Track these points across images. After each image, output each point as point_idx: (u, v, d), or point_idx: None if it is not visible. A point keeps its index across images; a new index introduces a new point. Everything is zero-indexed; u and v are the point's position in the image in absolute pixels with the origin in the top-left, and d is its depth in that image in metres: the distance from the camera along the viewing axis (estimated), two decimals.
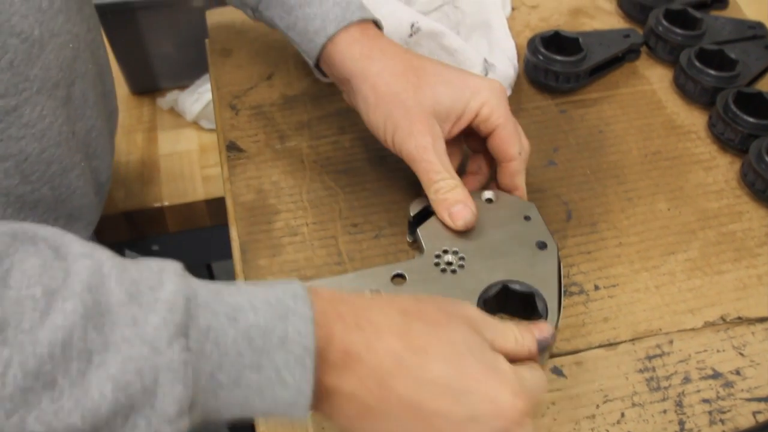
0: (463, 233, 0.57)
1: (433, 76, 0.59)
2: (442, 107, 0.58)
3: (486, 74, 0.71)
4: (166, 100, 1.16)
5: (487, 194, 0.59)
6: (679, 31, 0.78)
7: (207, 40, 0.82)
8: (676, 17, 0.79)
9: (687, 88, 0.75)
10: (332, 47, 0.60)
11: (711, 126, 0.72)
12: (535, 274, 0.54)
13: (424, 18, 0.71)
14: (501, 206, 0.59)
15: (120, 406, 0.35)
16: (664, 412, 0.52)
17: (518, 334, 0.46)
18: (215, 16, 0.83)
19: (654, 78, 0.78)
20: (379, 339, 0.41)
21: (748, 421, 0.52)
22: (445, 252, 0.56)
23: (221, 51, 0.80)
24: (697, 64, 0.74)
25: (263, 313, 0.39)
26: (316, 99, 0.74)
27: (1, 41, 0.52)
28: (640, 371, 0.55)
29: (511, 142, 0.58)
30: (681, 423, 0.52)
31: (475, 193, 0.58)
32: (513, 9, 0.86)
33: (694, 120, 0.74)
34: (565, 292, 0.59)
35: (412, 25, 0.70)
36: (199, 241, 1.10)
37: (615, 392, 0.53)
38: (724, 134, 0.70)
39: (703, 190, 0.67)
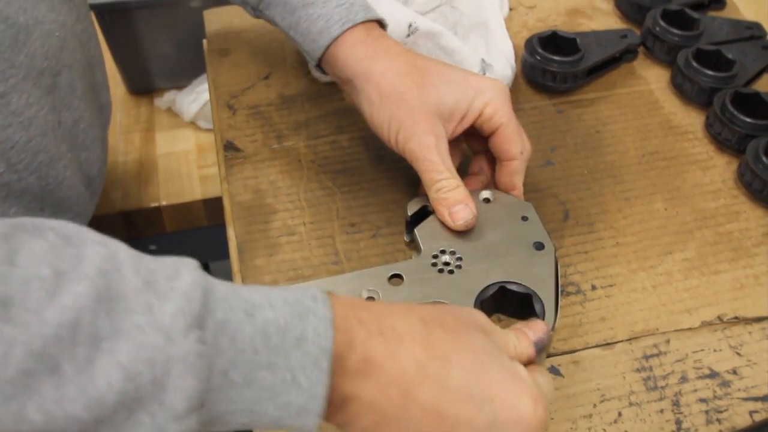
0: (461, 234, 0.57)
1: (437, 76, 0.59)
2: (446, 107, 0.58)
3: (484, 74, 0.71)
4: (163, 100, 1.16)
5: (485, 194, 0.60)
6: (676, 31, 0.78)
7: (204, 40, 0.82)
8: (674, 18, 0.79)
9: (684, 89, 0.75)
10: (336, 48, 0.60)
11: (708, 126, 0.72)
12: (532, 275, 0.54)
13: (421, 18, 0.71)
14: (498, 206, 0.59)
15: (127, 398, 0.33)
16: (661, 411, 0.52)
17: (515, 340, 0.46)
18: (213, 16, 0.83)
19: (651, 78, 0.78)
20: (402, 346, 0.41)
21: (744, 421, 0.52)
22: (443, 252, 0.56)
23: (219, 51, 0.80)
24: (695, 64, 0.74)
25: (281, 311, 0.38)
26: (314, 99, 0.74)
27: None
28: (637, 371, 0.55)
29: (514, 141, 0.59)
30: (678, 422, 0.52)
31: (472, 192, 0.58)
32: (510, 9, 0.86)
33: (692, 120, 0.74)
34: (562, 292, 0.59)
35: (410, 25, 0.70)
36: (197, 240, 1.10)
37: (612, 392, 0.53)
38: (722, 134, 0.70)
39: (700, 190, 0.67)
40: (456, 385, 0.41)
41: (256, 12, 0.66)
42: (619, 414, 0.52)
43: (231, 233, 0.63)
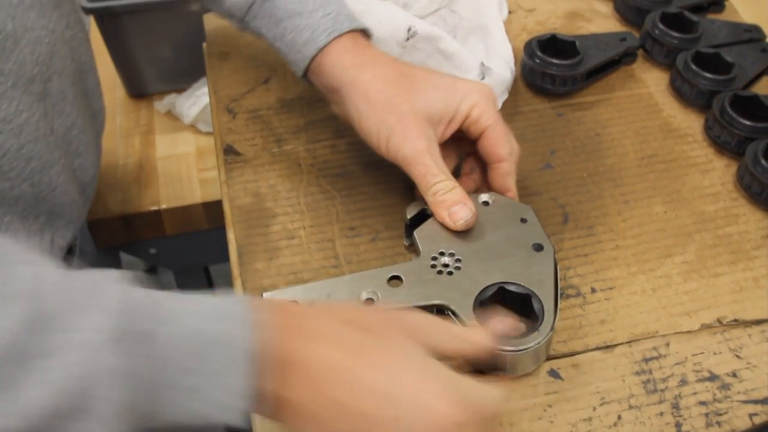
0: (460, 236, 0.57)
1: (424, 81, 0.59)
2: (435, 111, 0.58)
3: (483, 78, 0.71)
4: (163, 104, 1.16)
5: (484, 197, 0.60)
6: (675, 34, 0.78)
7: (204, 44, 0.82)
8: (673, 20, 0.79)
9: (683, 92, 0.75)
10: (322, 58, 0.61)
11: (707, 129, 0.72)
12: (531, 276, 0.55)
13: (420, 22, 0.71)
14: (497, 209, 0.59)
15: (59, 412, 0.35)
16: (661, 414, 0.52)
17: (462, 331, 0.47)
18: (213, 20, 0.83)
19: (650, 81, 0.79)
20: (319, 347, 0.42)
21: (744, 424, 0.52)
22: (442, 254, 0.56)
23: (219, 54, 0.80)
24: (694, 67, 0.74)
25: (203, 318, 0.40)
26: (313, 103, 0.74)
27: None
28: (637, 374, 0.55)
29: (501, 143, 0.59)
30: (678, 425, 0.52)
31: (471, 195, 0.58)
32: (510, 12, 0.86)
33: (691, 123, 0.74)
34: (561, 294, 0.59)
35: (409, 29, 0.70)
36: (197, 244, 1.10)
37: (612, 394, 0.53)
38: (721, 137, 0.70)
39: (699, 193, 0.68)
40: (368, 383, 0.42)
41: (242, 24, 0.66)
42: (619, 417, 0.52)
43: (231, 237, 0.63)
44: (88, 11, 1.06)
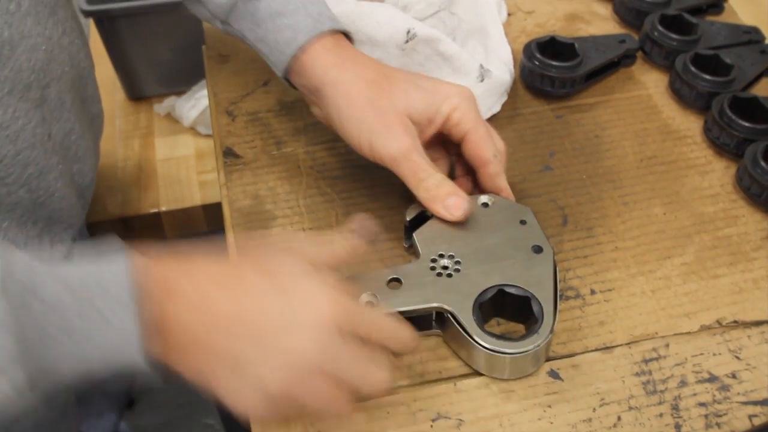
0: (459, 237, 0.57)
1: (405, 82, 0.59)
2: (416, 111, 0.58)
3: (482, 80, 0.71)
4: (163, 106, 1.16)
5: (483, 199, 0.60)
6: (674, 36, 0.78)
7: (204, 47, 0.82)
8: (672, 22, 0.79)
9: (682, 93, 0.75)
10: (303, 56, 0.60)
11: (706, 131, 0.72)
12: (530, 278, 0.55)
13: (420, 24, 0.71)
14: (497, 210, 0.59)
15: None
16: (661, 415, 0.52)
17: (326, 237, 0.51)
18: None
19: (650, 83, 0.79)
20: (197, 265, 0.45)
21: (744, 425, 0.52)
22: (441, 256, 0.56)
23: (218, 57, 0.80)
24: (693, 69, 0.74)
25: (83, 266, 0.42)
26: None
27: None
28: (637, 375, 0.55)
29: (484, 146, 0.59)
30: (677, 426, 0.52)
31: (471, 197, 0.58)
32: (509, 15, 0.86)
33: (690, 125, 0.74)
34: (561, 295, 0.59)
35: (408, 32, 0.70)
36: (196, 246, 1.10)
37: (611, 396, 0.53)
38: (720, 139, 0.70)
39: (698, 195, 0.68)
40: (249, 286, 0.45)
41: (225, 26, 0.66)
42: (619, 418, 0.52)
43: (230, 239, 0.63)
44: (87, 14, 1.06)
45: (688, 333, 0.57)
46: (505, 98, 0.74)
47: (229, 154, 0.70)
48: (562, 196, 0.67)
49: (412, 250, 0.60)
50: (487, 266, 0.55)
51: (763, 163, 0.65)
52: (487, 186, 0.60)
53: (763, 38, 0.82)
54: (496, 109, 0.73)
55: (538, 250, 0.56)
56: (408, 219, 0.59)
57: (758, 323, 0.58)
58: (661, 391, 0.54)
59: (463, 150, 0.60)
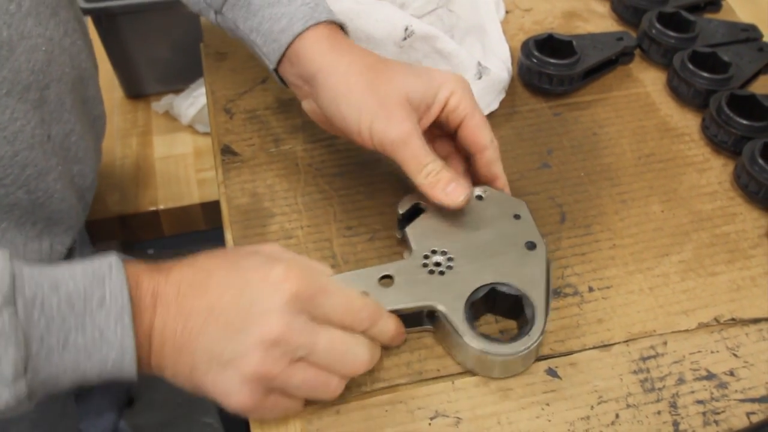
0: (452, 233, 0.57)
1: (402, 67, 0.58)
2: (414, 96, 0.57)
3: (480, 77, 0.71)
4: (161, 104, 1.16)
5: (477, 191, 0.59)
6: (672, 33, 0.78)
7: (202, 44, 0.82)
8: (669, 20, 0.79)
9: (680, 91, 0.75)
10: (299, 43, 0.59)
11: (704, 128, 0.72)
12: (523, 275, 0.54)
13: (417, 21, 0.71)
14: (491, 204, 0.59)
15: None
16: (659, 413, 0.52)
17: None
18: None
19: (647, 80, 0.79)
20: (172, 271, 0.48)
21: (741, 422, 0.52)
22: (434, 252, 0.56)
23: (216, 55, 0.80)
24: (691, 66, 0.74)
25: (82, 281, 0.45)
26: None
27: None
28: (635, 372, 0.55)
29: (482, 131, 0.58)
30: (675, 424, 0.52)
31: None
32: (507, 12, 0.86)
33: (688, 122, 0.74)
34: (558, 293, 0.59)
35: (406, 29, 0.70)
36: (194, 244, 1.10)
37: (609, 393, 0.53)
38: (718, 136, 0.70)
39: (696, 192, 0.68)
40: (217, 282, 0.47)
41: (218, 17, 0.64)
42: (617, 416, 0.52)
43: (228, 237, 0.63)
44: (85, 12, 1.06)
45: (686, 330, 0.57)
46: (503, 96, 0.74)
47: (227, 151, 0.70)
48: (560, 193, 0.67)
49: (405, 242, 0.59)
50: (479, 263, 0.55)
51: (760, 161, 0.65)
52: (482, 173, 0.60)
53: (761, 36, 0.82)
54: (494, 106, 0.73)
55: (531, 246, 0.56)
56: (401, 212, 0.59)
57: (756, 321, 0.58)
58: (659, 389, 0.54)
59: (459, 136, 0.59)
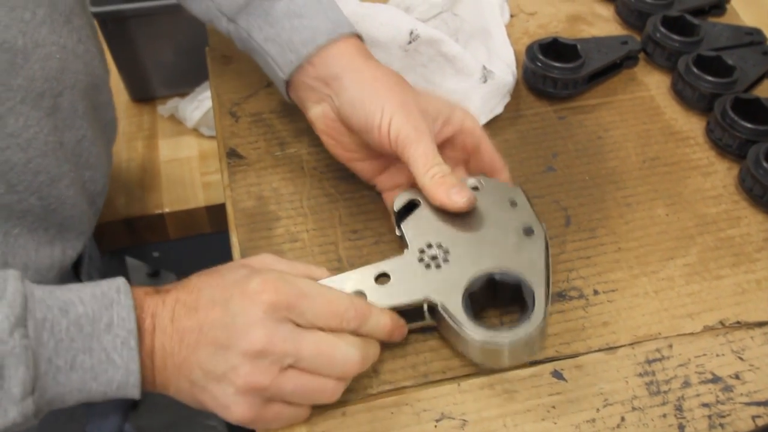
0: (448, 225, 0.56)
1: (418, 88, 0.62)
2: (432, 108, 0.59)
3: (485, 81, 0.71)
4: (166, 108, 1.17)
5: (471, 182, 0.59)
6: (676, 37, 0.78)
7: (207, 48, 0.82)
8: (674, 24, 0.79)
9: (685, 95, 0.75)
10: (323, 53, 0.61)
11: (709, 132, 0.72)
12: (522, 261, 0.54)
13: (422, 25, 0.71)
14: (486, 193, 0.58)
15: None
16: (664, 416, 0.53)
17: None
18: None
19: (652, 84, 0.79)
20: (169, 294, 0.50)
21: (747, 426, 0.52)
22: (429, 246, 0.55)
23: (221, 58, 0.80)
24: (695, 70, 0.74)
25: (91, 305, 0.47)
26: None
27: None
28: (640, 375, 0.55)
29: (497, 154, 0.61)
30: (681, 427, 0.52)
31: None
32: (511, 16, 0.86)
33: (692, 126, 0.74)
34: (564, 296, 0.59)
35: (411, 32, 0.71)
36: (200, 247, 1.11)
37: (615, 396, 0.53)
38: (722, 140, 0.71)
39: (701, 196, 0.68)
40: (205, 302, 0.49)
41: (230, 25, 0.66)
42: (622, 419, 0.52)
43: (234, 240, 0.63)
44: (92, 15, 1.06)
45: (691, 334, 0.58)
46: (507, 99, 0.74)
47: (232, 155, 0.70)
48: (565, 197, 0.67)
49: (403, 239, 0.59)
50: (476, 253, 0.54)
51: (765, 165, 0.65)
52: (486, 161, 0.62)
53: (765, 39, 0.82)
54: (499, 110, 0.73)
55: (529, 231, 0.56)
56: (396, 209, 0.59)
57: (761, 324, 0.58)
58: (665, 392, 0.54)
59: (475, 159, 0.61)
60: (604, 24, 0.86)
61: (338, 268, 0.61)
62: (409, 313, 0.54)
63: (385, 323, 0.52)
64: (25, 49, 0.56)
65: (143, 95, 1.19)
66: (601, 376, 0.55)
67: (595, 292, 0.60)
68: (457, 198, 0.55)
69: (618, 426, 0.52)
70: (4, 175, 0.57)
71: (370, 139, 0.59)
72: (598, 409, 0.53)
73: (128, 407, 1.01)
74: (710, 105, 0.73)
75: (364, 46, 0.63)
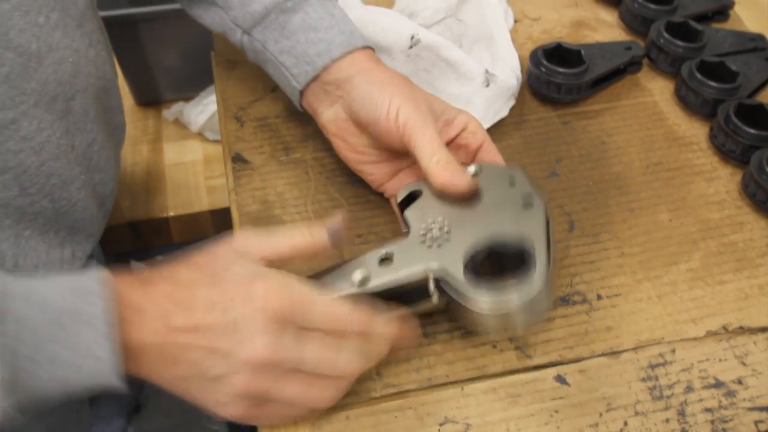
0: (449, 207, 0.57)
1: (427, 93, 0.63)
2: (438, 107, 0.62)
3: (487, 84, 0.71)
4: (171, 112, 1.17)
5: (471, 169, 0.59)
6: (680, 43, 0.78)
7: (212, 52, 0.83)
8: (678, 30, 0.80)
9: (688, 100, 0.76)
10: (337, 63, 0.63)
11: (712, 137, 0.73)
12: (522, 231, 0.54)
13: (424, 30, 0.72)
14: (485, 177, 0.59)
15: None
16: (667, 421, 0.53)
17: (282, 232, 0.52)
18: None
19: (655, 90, 0.79)
20: (153, 285, 0.48)
21: (749, 431, 0.52)
22: (432, 228, 0.56)
23: (226, 63, 0.81)
24: (699, 76, 0.74)
25: (71, 300, 0.45)
26: None
27: None
28: (643, 380, 0.55)
29: (499, 155, 0.62)
30: None
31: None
32: (515, 21, 0.87)
33: (696, 131, 0.74)
34: (567, 301, 0.59)
35: (412, 37, 0.71)
36: None
37: (618, 401, 0.54)
38: (726, 145, 0.71)
39: (704, 201, 0.68)
40: (201, 301, 0.48)
41: (244, 36, 0.67)
42: (625, 423, 0.52)
43: None
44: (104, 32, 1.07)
45: (695, 338, 0.58)
46: (512, 102, 0.74)
47: (237, 159, 0.70)
48: (569, 202, 0.67)
49: (408, 230, 0.59)
50: (476, 228, 0.55)
51: None
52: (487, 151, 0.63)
53: None
54: (504, 113, 0.74)
55: (528, 205, 0.56)
56: (399, 200, 0.60)
57: (764, 329, 0.58)
58: (668, 397, 0.54)
59: (482, 160, 0.62)
60: (608, 29, 0.86)
61: None
62: (415, 293, 0.53)
63: (389, 326, 0.52)
64: (39, 53, 0.57)
65: (148, 99, 1.20)
66: (604, 381, 0.55)
67: (599, 297, 0.60)
68: (458, 179, 0.56)
69: (621, 431, 0.52)
70: (18, 178, 0.58)
71: (378, 131, 0.60)
72: (601, 414, 0.53)
73: (131, 411, 1.01)
74: (713, 110, 0.73)
75: (375, 55, 0.65)
